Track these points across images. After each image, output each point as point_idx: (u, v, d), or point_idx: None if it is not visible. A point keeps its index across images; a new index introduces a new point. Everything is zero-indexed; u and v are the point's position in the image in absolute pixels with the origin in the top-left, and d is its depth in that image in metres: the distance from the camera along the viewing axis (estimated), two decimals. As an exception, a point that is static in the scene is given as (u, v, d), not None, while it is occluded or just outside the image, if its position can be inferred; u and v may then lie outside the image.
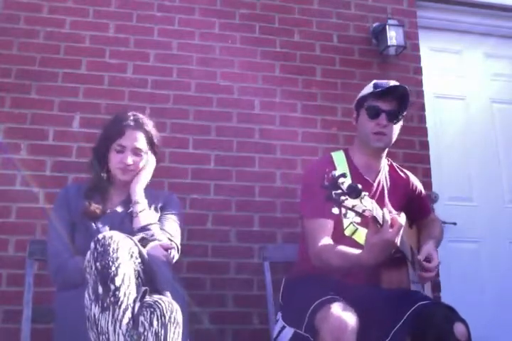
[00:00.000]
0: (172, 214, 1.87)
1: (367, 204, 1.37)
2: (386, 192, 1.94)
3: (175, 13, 2.82)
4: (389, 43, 2.93)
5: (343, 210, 1.32)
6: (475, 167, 3.18)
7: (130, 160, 1.81)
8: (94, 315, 1.30)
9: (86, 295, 1.34)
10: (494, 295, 2.94)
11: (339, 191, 1.29)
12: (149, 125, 1.89)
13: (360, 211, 1.34)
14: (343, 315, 1.50)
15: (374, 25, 3.06)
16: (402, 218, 1.76)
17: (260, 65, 2.86)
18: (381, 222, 1.48)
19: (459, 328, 1.50)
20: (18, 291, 2.04)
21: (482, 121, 3.28)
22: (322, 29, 3.01)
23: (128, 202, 1.83)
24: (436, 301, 1.65)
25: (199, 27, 2.84)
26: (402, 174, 2.05)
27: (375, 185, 1.92)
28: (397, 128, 1.94)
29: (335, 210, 1.30)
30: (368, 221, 1.47)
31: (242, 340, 2.44)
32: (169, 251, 1.69)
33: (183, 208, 2.49)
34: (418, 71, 3.09)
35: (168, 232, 1.78)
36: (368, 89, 1.93)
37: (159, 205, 1.87)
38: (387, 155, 2.04)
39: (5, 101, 2.52)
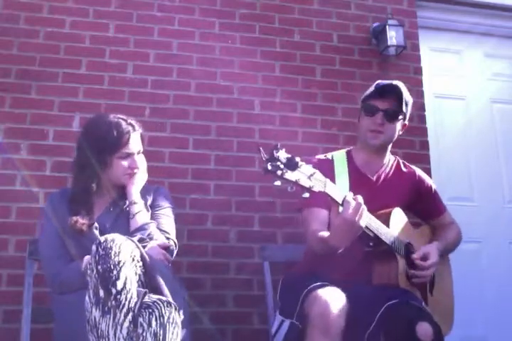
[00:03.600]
0: (164, 208, 1.86)
1: (316, 181, 1.38)
2: (389, 188, 1.93)
3: (175, 13, 2.82)
4: (389, 43, 2.93)
5: (289, 184, 1.32)
6: (475, 167, 3.17)
7: (138, 163, 1.81)
8: (95, 319, 1.30)
9: (87, 298, 1.33)
10: (494, 295, 2.93)
11: (277, 163, 1.29)
12: (138, 124, 1.86)
13: (307, 186, 1.35)
14: (330, 298, 1.52)
15: (374, 25, 3.06)
16: (395, 212, 1.79)
17: (260, 64, 2.86)
18: (339, 201, 1.51)
19: (422, 328, 1.48)
20: (18, 291, 2.04)
21: (482, 121, 3.28)
22: (322, 29, 3.01)
23: (119, 201, 1.81)
24: (405, 300, 1.61)
25: (199, 27, 2.83)
26: (407, 170, 2.05)
27: (374, 180, 1.93)
28: (396, 127, 1.94)
29: (277, 182, 1.30)
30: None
31: (242, 340, 2.44)
32: (169, 248, 1.68)
33: (183, 208, 2.50)
34: (418, 71, 3.09)
35: (164, 230, 1.77)
36: (371, 88, 1.96)
37: (149, 202, 1.86)
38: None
39: (5, 101, 2.52)
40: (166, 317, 1.32)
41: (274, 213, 2.64)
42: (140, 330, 1.29)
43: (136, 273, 1.39)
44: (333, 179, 1.83)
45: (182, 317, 1.38)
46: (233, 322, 2.46)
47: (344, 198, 1.53)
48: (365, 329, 1.56)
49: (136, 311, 1.30)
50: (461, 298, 2.84)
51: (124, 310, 1.29)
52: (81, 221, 1.70)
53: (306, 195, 1.37)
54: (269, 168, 1.28)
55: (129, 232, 1.67)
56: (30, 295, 1.83)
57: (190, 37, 2.81)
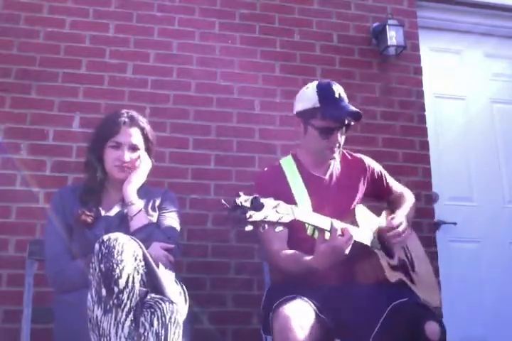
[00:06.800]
0: (170, 211, 1.85)
1: (283, 211, 1.37)
2: (344, 185, 1.92)
3: (175, 13, 2.82)
4: (389, 43, 2.93)
5: (260, 225, 1.32)
6: (475, 167, 3.18)
7: (127, 157, 1.78)
8: (97, 317, 1.30)
9: (89, 297, 1.33)
10: (494, 295, 2.93)
11: (242, 209, 1.28)
12: (144, 121, 1.87)
13: (276, 220, 1.35)
14: (292, 314, 1.49)
15: (374, 25, 3.06)
16: (359, 210, 1.78)
17: (260, 64, 2.86)
18: (326, 228, 1.52)
19: (430, 327, 1.48)
20: (18, 291, 2.04)
21: (482, 121, 3.28)
22: (322, 29, 3.01)
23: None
24: (411, 299, 1.61)
25: (199, 27, 2.84)
26: (354, 159, 2.02)
27: (327, 178, 1.91)
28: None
29: (248, 228, 1.30)
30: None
31: (242, 340, 2.44)
32: (171, 250, 1.68)
33: (183, 208, 2.50)
34: (418, 71, 3.09)
35: (167, 231, 1.76)
36: (313, 99, 1.86)
37: (156, 203, 1.85)
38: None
39: (5, 101, 2.52)
40: (167, 317, 1.32)
41: (274, 213, 2.64)
42: (142, 330, 1.29)
43: (138, 273, 1.39)
44: (288, 188, 1.83)
45: (183, 317, 1.38)
46: (233, 322, 2.46)
47: (332, 226, 1.53)
48: (371, 330, 1.54)
49: (137, 310, 1.30)
50: (460, 298, 2.86)
51: (126, 308, 1.29)
52: (87, 213, 1.71)
53: (280, 228, 1.37)
54: (237, 215, 1.28)
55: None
56: (30, 295, 1.83)
57: (190, 37, 2.81)
